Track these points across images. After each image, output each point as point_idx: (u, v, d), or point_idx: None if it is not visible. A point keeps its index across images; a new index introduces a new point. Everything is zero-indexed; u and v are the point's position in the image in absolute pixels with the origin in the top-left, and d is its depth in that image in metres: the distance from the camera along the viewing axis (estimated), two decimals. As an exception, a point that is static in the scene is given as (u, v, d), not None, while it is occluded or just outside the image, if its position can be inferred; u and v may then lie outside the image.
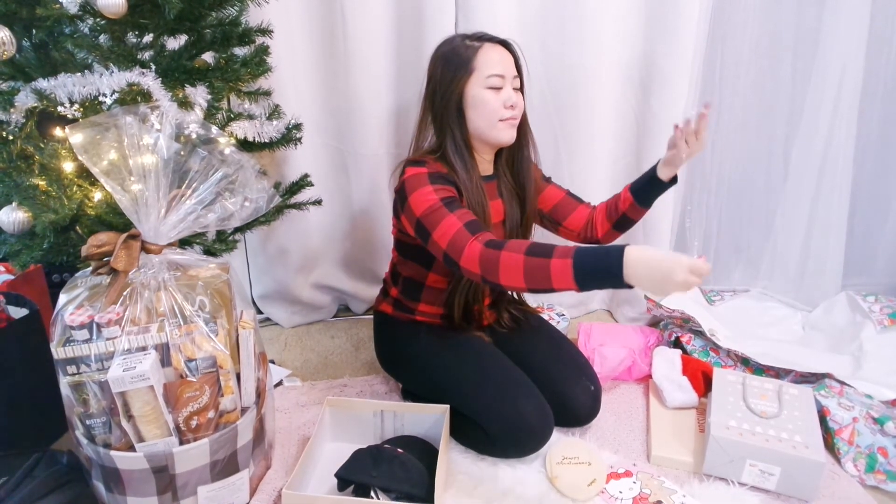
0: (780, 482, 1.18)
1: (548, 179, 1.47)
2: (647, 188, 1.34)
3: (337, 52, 1.60)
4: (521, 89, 1.32)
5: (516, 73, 1.29)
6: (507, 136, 1.29)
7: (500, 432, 1.23)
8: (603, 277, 0.98)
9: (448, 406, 1.27)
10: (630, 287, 0.96)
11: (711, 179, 1.85)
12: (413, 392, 1.45)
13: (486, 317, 1.45)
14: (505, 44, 1.29)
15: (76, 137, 0.98)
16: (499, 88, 1.25)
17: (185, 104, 1.12)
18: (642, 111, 1.71)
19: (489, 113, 1.25)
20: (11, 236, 1.08)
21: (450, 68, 1.26)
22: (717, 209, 1.88)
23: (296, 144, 1.44)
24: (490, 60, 1.25)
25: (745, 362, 1.55)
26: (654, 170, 1.33)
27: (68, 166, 1.07)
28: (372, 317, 1.80)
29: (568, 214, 1.44)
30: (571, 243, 1.37)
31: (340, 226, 1.83)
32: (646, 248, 0.96)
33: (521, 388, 1.26)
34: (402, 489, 1.09)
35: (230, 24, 1.25)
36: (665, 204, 1.76)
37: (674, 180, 1.34)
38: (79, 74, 1.04)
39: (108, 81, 1.03)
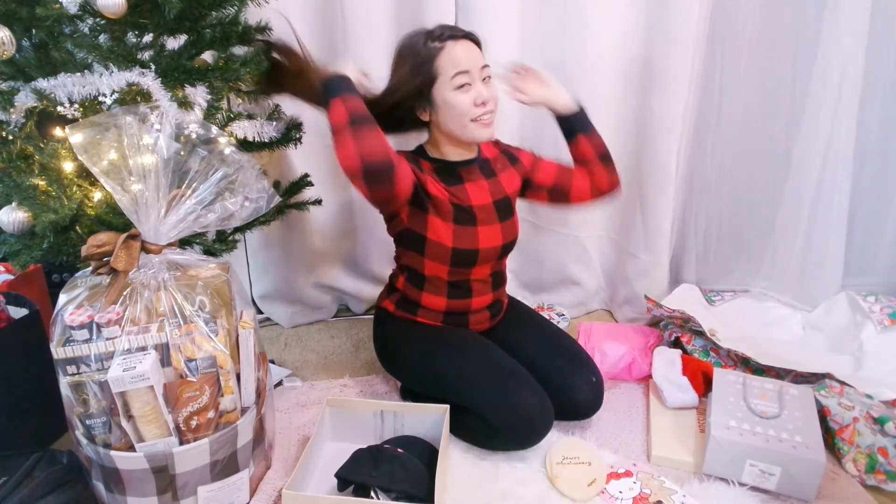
0: (781, 482, 1.18)
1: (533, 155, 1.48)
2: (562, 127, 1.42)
3: (336, 52, 1.60)
4: (491, 78, 1.28)
5: (484, 64, 1.26)
6: (484, 134, 1.27)
7: (501, 423, 1.23)
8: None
9: (448, 406, 1.27)
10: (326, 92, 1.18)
11: (711, 179, 1.85)
12: (412, 390, 1.45)
13: (486, 319, 1.45)
14: (467, 36, 1.26)
15: (76, 137, 0.98)
16: (467, 85, 1.23)
17: (185, 104, 1.12)
18: (642, 111, 1.71)
19: (459, 116, 1.24)
20: (11, 236, 1.08)
21: (412, 73, 1.24)
22: (717, 209, 1.88)
23: (296, 144, 1.44)
24: (453, 59, 1.22)
25: (746, 362, 1.55)
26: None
27: (68, 166, 1.07)
28: (372, 317, 1.79)
29: (571, 179, 1.43)
30: (584, 207, 1.56)
31: (340, 226, 1.83)
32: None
33: (520, 380, 1.27)
34: (402, 489, 1.09)
35: (230, 23, 1.25)
36: (665, 204, 1.76)
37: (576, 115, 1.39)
38: (79, 74, 1.04)
39: (107, 81, 1.03)
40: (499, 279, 1.45)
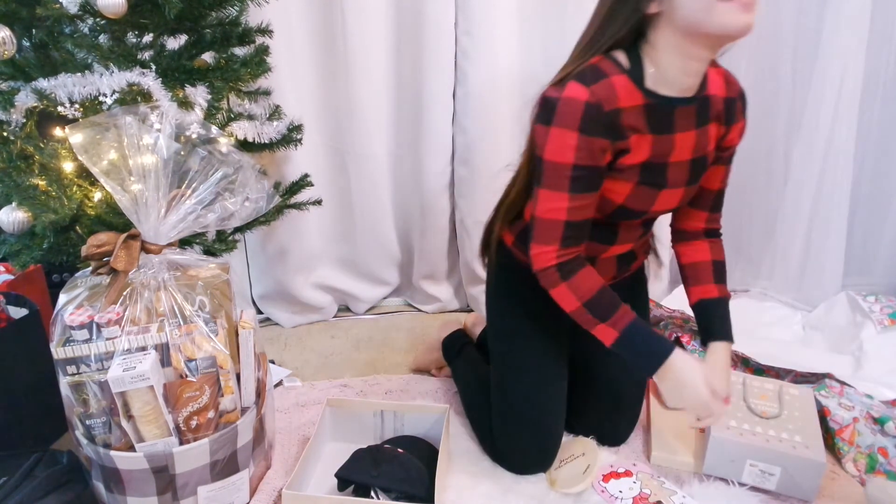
0: (781, 482, 1.18)
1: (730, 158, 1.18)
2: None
3: (337, 51, 1.60)
4: None
5: None
6: (740, 20, 0.86)
7: (501, 443, 1.25)
8: (635, 362, 1.07)
9: (448, 406, 1.27)
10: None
11: (711, 179, 1.85)
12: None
13: (612, 268, 1.23)
14: None
15: (76, 137, 0.98)
16: None
17: (185, 104, 1.12)
18: (642, 111, 1.70)
19: None
20: (11, 236, 1.09)
21: None
22: (717, 209, 1.88)
23: (296, 145, 1.44)
24: None
25: (746, 362, 1.55)
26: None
27: (68, 166, 1.07)
28: (373, 316, 1.79)
29: (691, 209, 1.21)
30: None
31: (340, 226, 1.83)
32: (688, 366, 1.03)
33: (545, 428, 1.23)
34: (402, 489, 1.09)
35: (230, 24, 1.25)
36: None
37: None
38: (79, 74, 1.04)
39: (108, 81, 1.03)
40: (650, 224, 1.23)
